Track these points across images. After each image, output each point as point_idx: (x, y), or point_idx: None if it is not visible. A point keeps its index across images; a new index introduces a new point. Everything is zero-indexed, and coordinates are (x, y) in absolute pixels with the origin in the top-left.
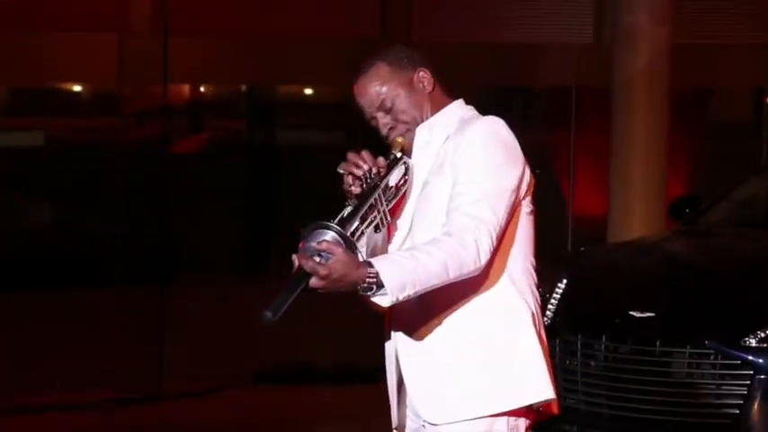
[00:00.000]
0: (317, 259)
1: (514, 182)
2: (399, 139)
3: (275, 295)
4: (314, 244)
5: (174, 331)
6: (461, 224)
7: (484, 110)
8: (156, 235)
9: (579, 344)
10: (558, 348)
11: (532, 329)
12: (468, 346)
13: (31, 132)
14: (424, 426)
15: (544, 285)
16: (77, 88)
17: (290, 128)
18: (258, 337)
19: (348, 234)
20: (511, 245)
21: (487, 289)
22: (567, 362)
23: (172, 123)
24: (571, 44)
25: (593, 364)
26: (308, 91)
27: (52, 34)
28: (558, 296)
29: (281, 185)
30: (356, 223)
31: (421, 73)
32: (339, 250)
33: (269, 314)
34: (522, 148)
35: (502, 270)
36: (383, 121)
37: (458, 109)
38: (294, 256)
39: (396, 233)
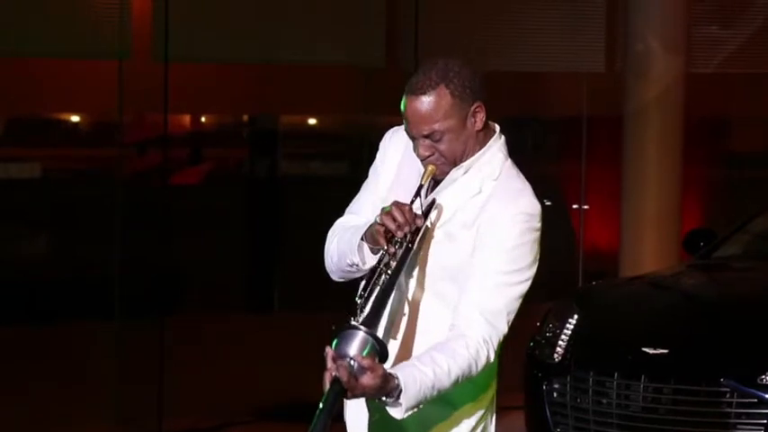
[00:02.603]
0: (354, 364)
1: (530, 283)
2: (431, 167)
3: (315, 418)
4: (353, 353)
5: (173, 366)
6: (479, 334)
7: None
8: (156, 267)
9: (591, 381)
10: (568, 386)
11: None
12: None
13: (27, 163)
14: None
15: (555, 321)
16: (75, 118)
17: (293, 158)
18: (259, 372)
19: (377, 331)
20: None
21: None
22: (579, 400)
23: (172, 153)
24: (582, 73)
25: (605, 402)
26: (312, 121)
27: (50, 62)
28: (569, 332)
29: (283, 217)
30: (387, 307)
31: (477, 108)
32: (380, 371)
33: None
34: (532, 180)
35: None
36: (424, 144)
37: (496, 153)
38: (328, 358)
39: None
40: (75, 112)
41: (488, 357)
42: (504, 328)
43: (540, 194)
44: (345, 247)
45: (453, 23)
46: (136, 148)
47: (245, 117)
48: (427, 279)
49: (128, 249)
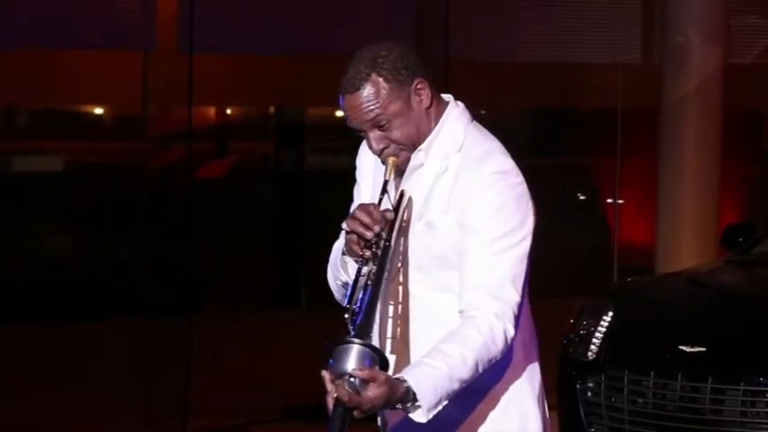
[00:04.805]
0: (354, 381)
1: (529, 241)
2: (392, 159)
3: None
4: (350, 369)
5: (199, 365)
6: (489, 311)
7: (526, 134)
8: (181, 264)
9: (626, 380)
10: (603, 385)
11: (536, 397)
12: (473, 406)
13: (49, 156)
14: None
15: (588, 318)
16: (99, 110)
17: (320, 152)
18: (285, 371)
19: (372, 341)
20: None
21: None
22: (613, 399)
23: (197, 147)
24: (618, 64)
25: (640, 401)
26: (339, 113)
27: (73, 53)
28: (604, 330)
29: (310, 211)
30: (376, 312)
31: (419, 85)
32: (382, 378)
33: None
34: (566, 173)
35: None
36: (375, 137)
37: (455, 123)
38: (326, 381)
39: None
40: (99, 104)
41: (506, 332)
42: (515, 297)
43: (573, 188)
44: (335, 268)
45: (485, 15)
46: (160, 141)
47: (272, 109)
48: (424, 273)
49: (152, 244)
